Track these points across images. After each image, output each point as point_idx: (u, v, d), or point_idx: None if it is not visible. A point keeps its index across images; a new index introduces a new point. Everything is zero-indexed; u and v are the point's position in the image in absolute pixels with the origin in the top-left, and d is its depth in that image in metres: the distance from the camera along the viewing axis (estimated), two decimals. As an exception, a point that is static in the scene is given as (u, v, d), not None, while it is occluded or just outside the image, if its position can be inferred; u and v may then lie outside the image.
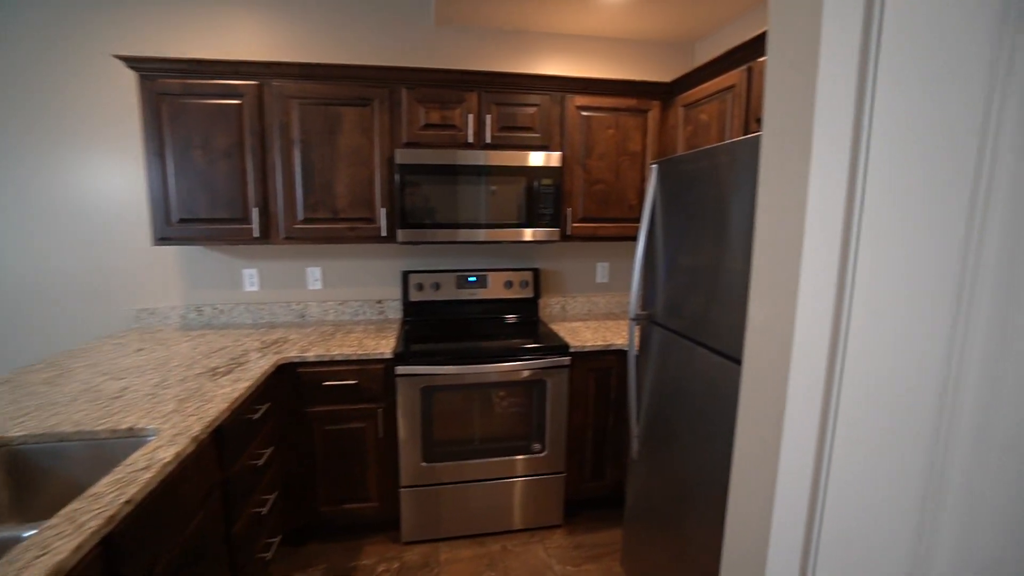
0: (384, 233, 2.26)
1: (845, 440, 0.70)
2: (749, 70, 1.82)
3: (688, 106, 2.19)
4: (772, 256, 0.74)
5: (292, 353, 2.00)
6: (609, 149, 2.35)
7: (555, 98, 2.30)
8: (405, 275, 2.54)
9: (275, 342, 2.17)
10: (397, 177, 2.17)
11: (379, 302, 2.64)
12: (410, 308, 2.56)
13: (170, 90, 2.03)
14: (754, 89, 1.80)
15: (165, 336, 2.25)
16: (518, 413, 2.17)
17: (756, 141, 1.15)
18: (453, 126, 2.25)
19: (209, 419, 1.30)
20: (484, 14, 2.40)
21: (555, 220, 2.29)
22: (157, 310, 2.47)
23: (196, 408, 1.36)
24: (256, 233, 2.18)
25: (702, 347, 1.38)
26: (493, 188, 2.24)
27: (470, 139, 2.26)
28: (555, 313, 2.78)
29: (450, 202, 2.23)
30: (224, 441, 1.41)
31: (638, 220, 2.37)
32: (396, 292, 2.65)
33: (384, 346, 2.10)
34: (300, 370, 2.00)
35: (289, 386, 2.00)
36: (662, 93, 2.37)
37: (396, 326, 2.47)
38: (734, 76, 1.88)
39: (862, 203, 0.63)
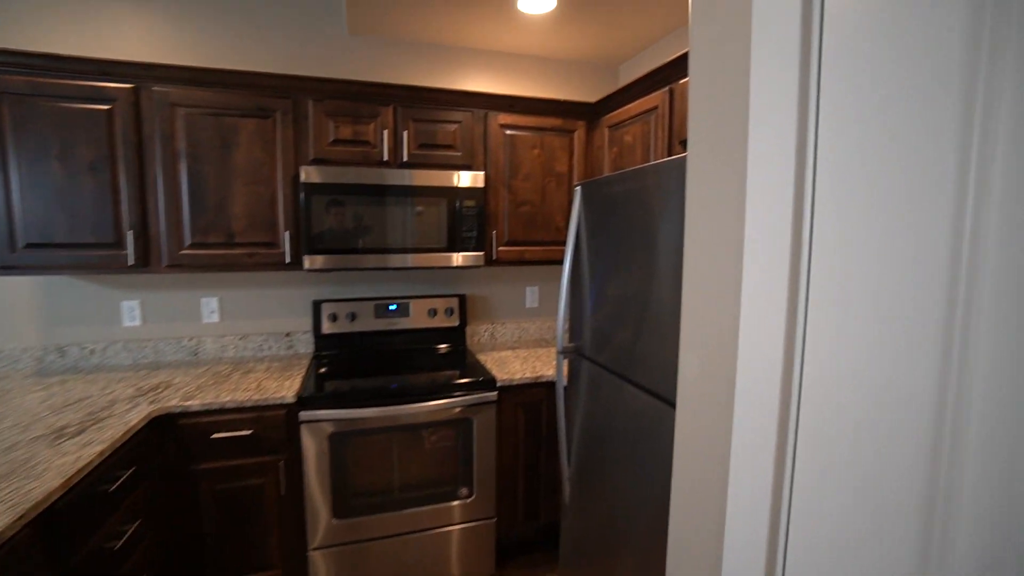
0: (289, 260, 2.02)
1: (804, 511, 0.59)
2: (671, 92, 1.79)
3: (613, 127, 2.15)
4: (705, 295, 0.63)
5: (173, 401, 1.70)
6: (534, 169, 2.26)
7: (477, 115, 2.19)
8: (316, 305, 2.29)
9: (155, 388, 1.85)
10: (303, 197, 1.95)
11: (287, 335, 2.37)
12: (323, 341, 2.31)
13: (14, 88, 1.69)
14: (676, 111, 1.77)
15: (8, 386, 1.85)
16: (442, 456, 1.98)
17: (683, 163, 1.07)
18: (366, 142, 2.07)
19: (31, 504, 1.01)
20: (402, 25, 2.26)
21: (480, 243, 2.15)
22: (2, 352, 2.06)
23: (14, 490, 1.06)
24: (131, 260, 1.87)
25: (631, 384, 1.28)
26: (412, 210, 2.07)
27: (385, 157, 2.08)
28: (484, 341, 2.63)
29: (364, 225, 2.03)
30: (59, 528, 1.12)
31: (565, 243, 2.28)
32: (307, 323, 2.39)
33: (287, 388, 1.84)
34: (182, 422, 1.70)
35: (168, 442, 1.69)
36: (587, 113, 2.32)
37: (306, 362, 2.21)
38: (656, 98, 1.85)
39: (811, 226, 0.53)
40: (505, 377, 2.02)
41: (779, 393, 0.58)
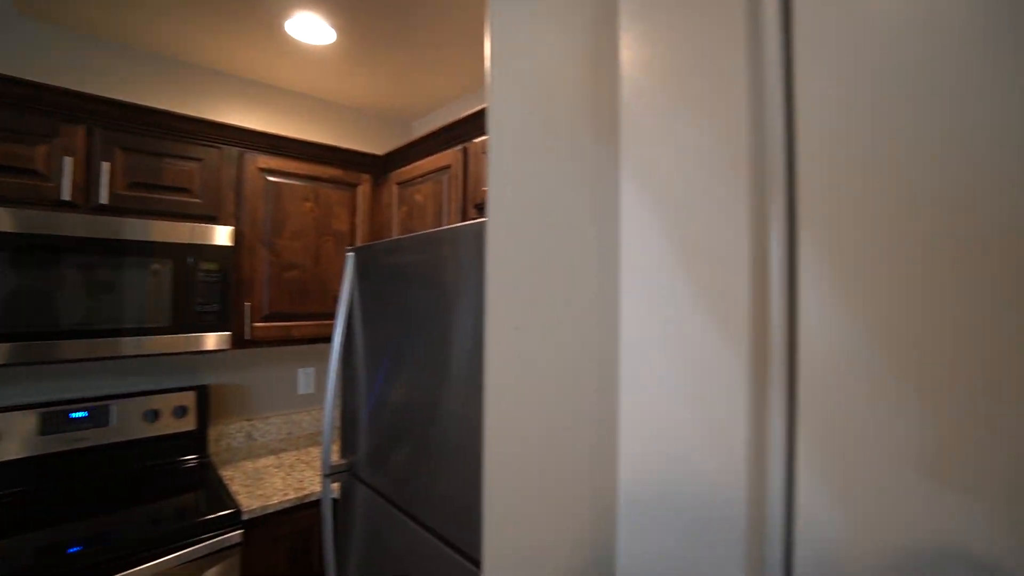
0: None
1: None
2: (465, 151, 1.62)
3: (403, 184, 1.90)
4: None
5: None
6: (306, 227, 1.84)
7: (229, 154, 1.70)
8: (-82, 422, 1.39)
9: None
10: None
11: None
12: (-75, 483, 1.39)
13: None
14: (471, 171, 1.60)
15: None
16: (144, 649, 1.29)
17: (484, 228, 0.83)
18: (32, 172, 1.38)
19: None
20: (113, 22, 1.67)
21: (225, 319, 1.60)
22: None
23: None
24: None
25: (414, 521, 0.94)
26: (116, 274, 1.43)
27: (67, 195, 1.42)
28: (236, 446, 1.98)
29: (27, 296, 1.31)
30: None
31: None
32: None
33: None
34: None
35: None
36: (374, 166, 2.03)
37: None
38: (449, 156, 1.66)
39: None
40: (258, 504, 1.46)
41: None
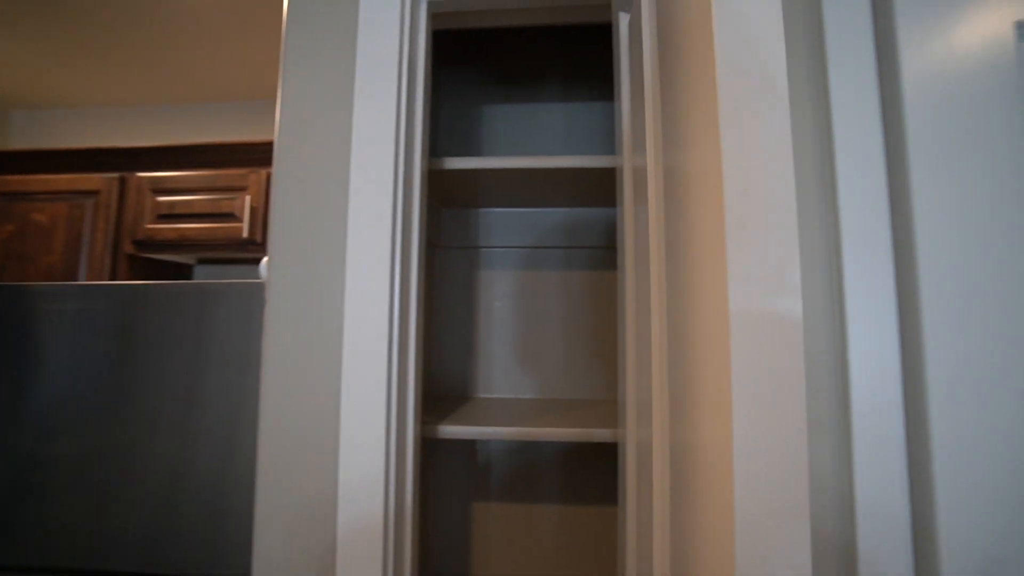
0: None
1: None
2: (123, 180, 1.52)
3: (10, 196, 1.54)
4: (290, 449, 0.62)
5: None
6: None
7: None
8: None
9: None
10: None
11: None
12: None
13: None
14: (129, 205, 1.51)
15: None
16: None
17: (190, 288, 0.97)
18: None
19: None
20: None
21: None
22: None
23: None
24: None
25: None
26: None
27: None
28: None
29: None
30: None
31: None
32: None
33: None
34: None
35: None
36: (-50, 161, 1.54)
37: None
38: (100, 181, 1.51)
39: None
40: None
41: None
